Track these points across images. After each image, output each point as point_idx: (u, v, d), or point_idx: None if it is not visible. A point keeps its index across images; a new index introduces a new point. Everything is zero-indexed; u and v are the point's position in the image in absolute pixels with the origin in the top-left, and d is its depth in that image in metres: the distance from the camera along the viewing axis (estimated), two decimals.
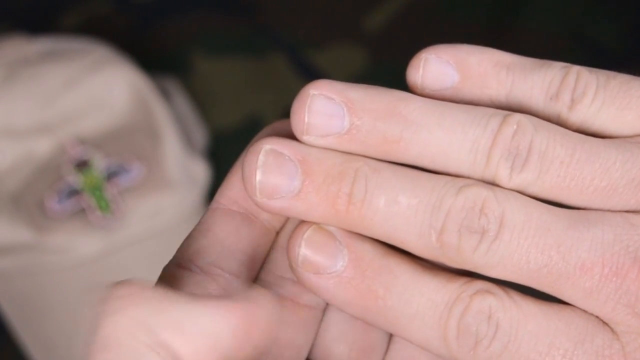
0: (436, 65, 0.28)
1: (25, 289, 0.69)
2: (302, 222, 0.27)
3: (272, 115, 0.83)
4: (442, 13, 0.90)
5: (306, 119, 0.26)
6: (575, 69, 0.28)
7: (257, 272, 0.28)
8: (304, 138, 0.26)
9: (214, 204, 0.28)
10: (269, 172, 0.26)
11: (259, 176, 0.26)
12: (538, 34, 0.87)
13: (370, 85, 0.27)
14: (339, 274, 0.26)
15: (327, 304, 0.29)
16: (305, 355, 0.28)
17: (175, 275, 0.27)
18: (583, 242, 0.25)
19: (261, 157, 0.26)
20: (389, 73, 0.84)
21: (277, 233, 0.29)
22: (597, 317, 0.26)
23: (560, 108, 0.27)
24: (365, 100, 0.26)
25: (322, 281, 0.26)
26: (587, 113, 0.27)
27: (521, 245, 0.25)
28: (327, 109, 0.26)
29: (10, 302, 0.70)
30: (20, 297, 0.69)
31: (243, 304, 0.23)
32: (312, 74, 0.85)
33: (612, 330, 0.25)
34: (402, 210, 0.26)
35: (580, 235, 0.25)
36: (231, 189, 0.28)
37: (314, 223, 0.27)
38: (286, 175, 0.26)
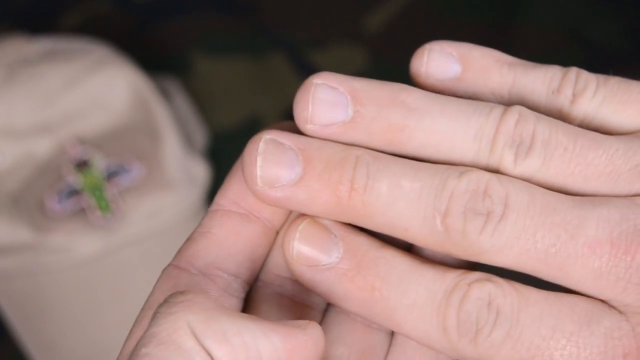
0: (440, 56, 0.29)
1: (25, 289, 0.69)
2: (297, 216, 0.27)
3: (272, 115, 0.83)
4: (442, 13, 0.90)
5: (310, 108, 0.26)
6: (575, 68, 0.28)
7: (257, 273, 0.28)
8: (307, 127, 0.26)
9: (213, 206, 0.28)
10: (270, 160, 0.26)
11: (259, 163, 0.26)
12: (538, 34, 0.87)
13: (372, 79, 0.27)
14: (334, 265, 0.26)
15: (327, 305, 0.28)
16: None
17: (173, 277, 0.27)
18: (590, 220, 0.25)
19: (261, 146, 0.26)
20: (389, 73, 0.84)
21: (278, 233, 0.28)
22: (602, 301, 0.25)
23: (562, 102, 0.28)
24: (369, 89, 0.26)
25: (317, 274, 0.26)
26: (589, 107, 0.27)
27: (528, 226, 0.25)
28: (331, 97, 0.26)
29: (10, 302, 0.70)
30: (20, 297, 0.69)
31: (292, 330, 0.23)
32: (312, 74, 0.85)
33: (619, 312, 0.25)
34: (405, 193, 0.25)
35: (587, 214, 0.25)
36: (230, 190, 0.28)
37: (310, 217, 0.27)
38: (287, 163, 0.26)
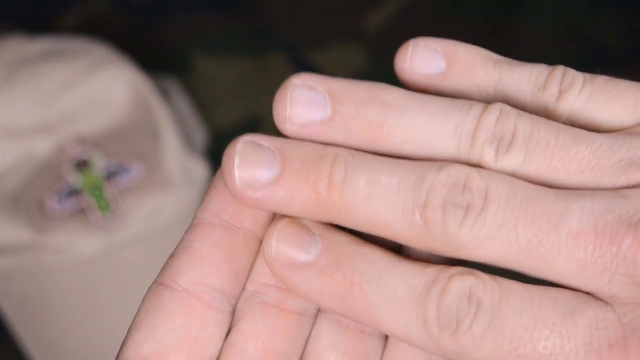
0: (425, 51, 0.29)
1: (25, 289, 0.69)
2: (277, 218, 0.27)
3: (272, 115, 0.82)
4: (442, 13, 0.90)
5: (288, 108, 0.26)
6: (562, 67, 0.28)
7: (243, 284, 0.28)
8: (286, 127, 0.26)
9: (195, 221, 0.28)
10: (248, 160, 0.26)
11: (237, 163, 0.26)
12: (538, 34, 0.87)
13: (351, 79, 0.27)
14: (313, 262, 0.26)
15: (317, 311, 0.28)
16: None
17: (157, 294, 0.27)
18: (573, 211, 0.24)
19: (239, 147, 0.26)
20: (389, 73, 0.84)
21: (261, 242, 0.28)
22: (588, 293, 0.25)
23: (548, 99, 0.27)
24: (348, 88, 0.26)
25: (296, 272, 0.26)
26: (575, 104, 0.27)
27: (509, 217, 0.24)
28: (309, 97, 0.26)
29: (10, 302, 0.70)
30: (20, 297, 0.69)
31: None
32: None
33: (605, 303, 0.24)
34: (384, 188, 0.25)
35: (570, 205, 0.25)
36: (211, 203, 0.28)
37: (289, 217, 0.27)
38: (265, 163, 0.26)
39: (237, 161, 0.26)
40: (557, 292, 0.25)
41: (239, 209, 0.27)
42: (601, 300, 0.24)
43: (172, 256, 0.28)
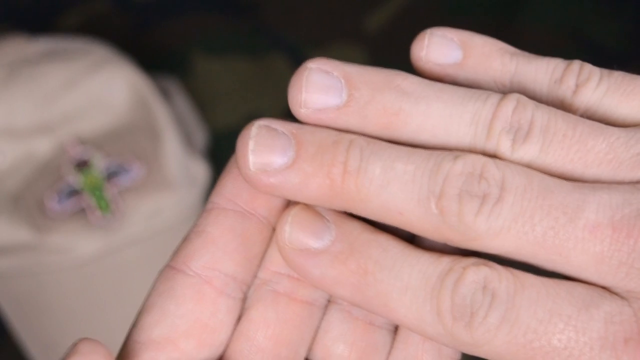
0: (441, 40, 0.28)
1: (25, 289, 0.69)
2: (291, 204, 0.27)
3: (272, 115, 0.82)
4: (442, 13, 0.90)
5: (303, 92, 0.26)
6: (579, 61, 0.28)
7: (255, 271, 0.28)
8: (301, 111, 0.26)
9: (208, 205, 0.28)
10: (262, 144, 0.26)
11: (251, 147, 0.26)
12: (538, 34, 0.87)
13: (366, 65, 0.27)
14: (326, 249, 0.26)
15: (326, 302, 0.28)
16: (303, 354, 0.28)
17: (170, 278, 0.27)
18: (590, 204, 0.24)
19: (254, 131, 0.26)
20: None
21: (274, 229, 0.28)
22: (603, 287, 0.24)
23: (564, 92, 0.27)
24: (364, 73, 0.26)
25: (309, 258, 0.26)
26: (592, 98, 0.27)
27: (525, 208, 0.24)
28: (325, 81, 0.26)
29: (10, 302, 0.70)
30: (20, 297, 0.69)
31: None
32: None
33: (621, 297, 0.24)
34: (399, 176, 0.25)
35: (587, 198, 0.24)
36: (225, 188, 0.27)
37: (302, 203, 0.26)
38: (279, 147, 0.26)
39: (251, 145, 0.26)
40: (572, 285, 0.24)
41: (253, 194, 0.27)
42: (616, 294, 0.24)
43: (185, 239, 0.27)
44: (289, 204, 0.28)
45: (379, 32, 0.89)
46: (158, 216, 0.71)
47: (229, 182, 0.27)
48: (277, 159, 0.25)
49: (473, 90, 0.26)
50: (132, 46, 0.82)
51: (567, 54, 0.85)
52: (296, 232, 0.26)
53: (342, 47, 0.88)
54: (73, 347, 0.25)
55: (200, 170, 0.76)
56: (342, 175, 0.25)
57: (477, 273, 0.24)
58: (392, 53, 0.88)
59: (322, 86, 0.26)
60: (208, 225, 0.27)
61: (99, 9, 0.91)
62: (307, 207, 0.26)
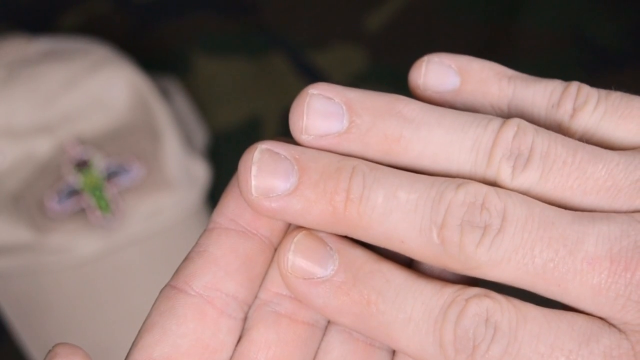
0: (438, 68, 0.28)
1: (25, 289, 0.69)
2: (293, 228, 0.27)
3: (272, 115, 0.83)
4: (442, 13, 0.90)
5: (305, 118, 0.26)
6: (577, 82, 0.28)
7: (256, 292, 0.27)
8: (302, 137, 0.26)
9: (210, 224, 0.27)
10: (265, 169, 0.26)
11: (254, 172, 0.26)
12: (538, 34, 0.87)
13: (368, 90, 0.27)
14: (329, 278, 0.26)
15: (327, 323, 0.28)
16: None
17: (171, 297, 0.27)
18: (589, 236, 0.24)
19: (256, 155, 0.26)
20: (389, 73, 0.84)
21: (276, 250, 0.28)
22: (602, 319, 0.25)
23: (561, 116, 0.27)
24: (365, 99, 0.26)
25: (312, 287, 0.26)
26: (589, 121, 0.27)
27: (526, 239, 0.24)
28: (326, 108, 0.26)
29: (10, 302, 0.70)
30: (20, 297, 0.69)
31: None
32: (312, 74, 0.85)
33: (619, 330, 0.24)
34: (402, 204, 0.25)
35: (586, 230, 0.25)
36: (227, 207, 0.27)
37: (305, 229, 0.26)
38: (282, 173, 0.26)
39: (253, 170, 0.26)
40: (572, 317, 0.25)
41: (255, 215, 0.27)
42: (614, 326, 0.25)
43: (187, 259, 0.27)
44: (291, 225, 0.28)
45: (379, 32, 0.89)
46: (158, 216, 0.71)
47: (231, 202, 0.27)
48: (280, 185, 0.25)
49: (474, 115, 0.26)
50: (132, 46, 0.82)
51: (567, 54, 0.84)
52: (299, 260, 0.26)
53: (342, 47, 0.88)
54: (50, 351, 0.26)
55: (200, 170, 0.76)
56: (344, 202, 0.25)
57: (480, 305, 0.24)
58: (392, 53, 0.89)
59: (323, 112, 0.26)
60: (210, 245, 0.27)
61: (99, 9, 0.91)
62: (310, 233, 0.26)
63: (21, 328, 0.70)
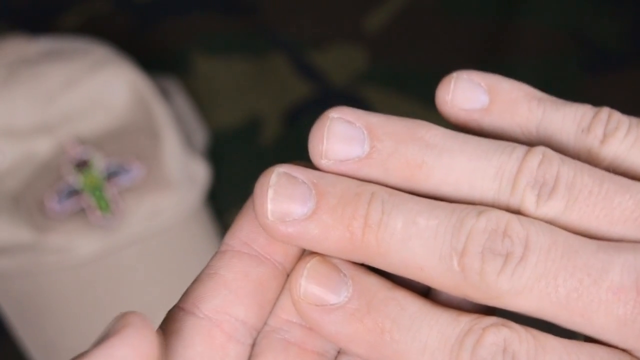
0: (467, 85, 0.28)
1: (25, 289, 0.69)
2: (306, 254, 0.26)
3: (272, 115, 0.83)
4: (442, 13, 0.90)
5: (325, 142, 0.25)
6: (607, 108, 0.27)
7: (266, 318, 0.27)
8: (322, 162, 0.26)
9: (222, 247, 0.27)
10: (282, 193, 0.25)
11: (270, 196, 0.25)
12: (538, 34, 0.87)
13: (390, 115, 0.26)
14: (342, 305, 0.25)
15: (337, 354, 0.27)
16: None
17: (178, 319, 0.26)
18: (615, 265, 0.24)
19: (273, 178, 0.25)
20: (389, 73, 0.84)
21: (288, 276, 0.27)
22: (625, 351, 0.24)
23: (591, 142, 0.27)
24: (387, 124, 0.26)
25: (325, 314, 0.25)
26: (619, 149, 0.26)
27: (549, 268, 0.24)
28: (347, 132, 0.25)
29: (10, 302, 0.70)
30: (20, 297, 0.69)
31: (115, 341, 0.23)
32: (312, 74, 0.85)
33: None
34: (421, 231, 0.24)
35: (611, 259, 0.24)
36: (240, 231, 0.27)
37: (318, 254, 0.26)
38: (299, 197, 0.25)
39: (270, 193, 0.25)
40: (593, 348, 0.24)
41: (269, 239, 0.27)
42: (637, 358, 0.24)
43: (197, 281, 0.27)
44: (305, 251, 0.27)
45: (379, 32, 0.89)
46: (158, 216, 0.71)
47: (245, 225, 0.27)
48: (297, 209, 0.25)
49: (498, 143, 0.26)
50: (132, 46, 0.82)
51: (567, 54, 0.85)
52: (311, 287, 0.25)
53: (342, 47, 0.88)
54: (121, 319, 0.24)
55: (200, 170, 0.76)
56: (362, 228, 0.25)
57: (497, 334, 0.24)
58: (392, 53, 0.89)
59: (344, 137, 0.25)
60: (221, 268, 0.26)
61: (99, 9, 0.91)
62: (324, 259, 0.26)
63: (21, 328, 0.70)
